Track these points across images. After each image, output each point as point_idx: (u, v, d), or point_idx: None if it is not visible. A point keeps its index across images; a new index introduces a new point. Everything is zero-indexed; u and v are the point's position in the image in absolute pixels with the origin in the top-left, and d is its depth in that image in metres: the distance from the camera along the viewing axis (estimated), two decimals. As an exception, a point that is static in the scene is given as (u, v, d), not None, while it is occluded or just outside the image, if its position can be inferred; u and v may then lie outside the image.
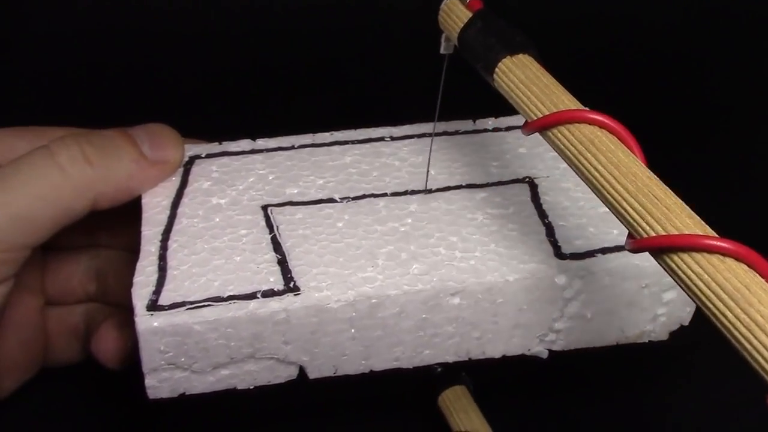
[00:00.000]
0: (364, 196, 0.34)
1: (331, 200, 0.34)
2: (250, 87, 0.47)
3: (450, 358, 0.32)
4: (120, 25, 0.44)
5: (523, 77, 0.26)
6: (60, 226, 0.32)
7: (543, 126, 0.25)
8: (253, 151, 0.36)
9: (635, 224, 0.21)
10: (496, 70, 0.27)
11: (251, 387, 0.31)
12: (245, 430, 0.39)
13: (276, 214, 0.33)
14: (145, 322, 0.28)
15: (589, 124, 0.24)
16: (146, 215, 0.33)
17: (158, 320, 0.28)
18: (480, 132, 0.38)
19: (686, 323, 0.33)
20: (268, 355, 0.30)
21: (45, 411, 0.38)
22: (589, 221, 0.33)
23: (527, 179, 0.35)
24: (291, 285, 0.30)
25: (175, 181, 0.34)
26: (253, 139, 0.37)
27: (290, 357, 0.30)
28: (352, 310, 0.30)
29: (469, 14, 0.29)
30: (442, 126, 0.38)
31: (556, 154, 0.37)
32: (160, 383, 0.30)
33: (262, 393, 0.31)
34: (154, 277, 0.30)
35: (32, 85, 0.45)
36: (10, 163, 0.32)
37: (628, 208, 0.22)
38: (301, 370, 0.31)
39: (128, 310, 0.29)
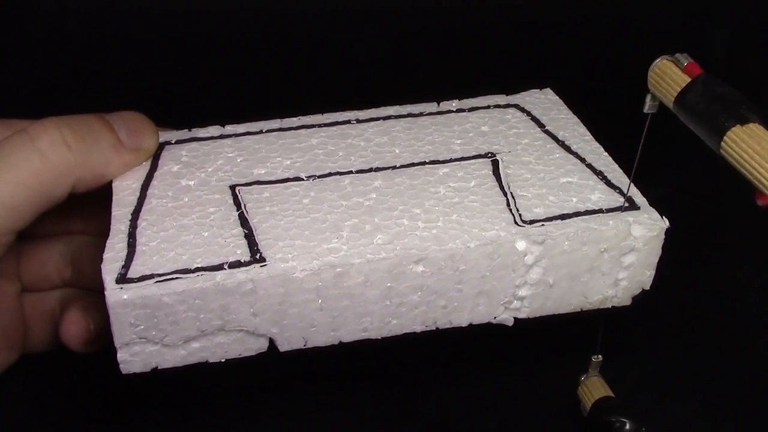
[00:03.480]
0: (329, 174, 0.35)
1: (297, 179, 0.35)
2: (220, 77, 0.48)
3: (418, 328, 0.33)
4: (90, 12, 0.45)
5: (758, 148, 0.26)
6: (41, 210, 0.33)
7: None
8: (222, 137, 0.37)
9: None
10: (725, 138, 0.27)
11: (222, 360, 0.32)
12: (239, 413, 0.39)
13: (244, 193, 0.34)
14: (114, 294, 0.29)
15: None
16: (116, 197, 0.34)
17: (127, 293, 0.29)
18: (444, 113, 0.39)
19: (647, 288, 0.34)
20: (238, 327, 0.31)
21: (25, 397, 0.38)
22: (549, 191, 0.34)
23: (489, 154, 0.36)
24: (257, 256, 0.31)
25: (145, 165, 0.35)
26: (222, 125, 0.38)
27: (259, 329, 0.31)
28: (317, 279, 0.30)
29: (685, 77, 0.29)
30: (406, 108, 0.39)
31: (518, 130, 0.38)
32: (132, 357, 0.31)
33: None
34: (124, 253, 0.31)
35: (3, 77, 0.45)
36: None
37: None
38: (272, 343, 0.32)
39: (99, 293, 0.30)
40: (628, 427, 0.36)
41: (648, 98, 0.31)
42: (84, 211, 0.37)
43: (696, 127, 0.29)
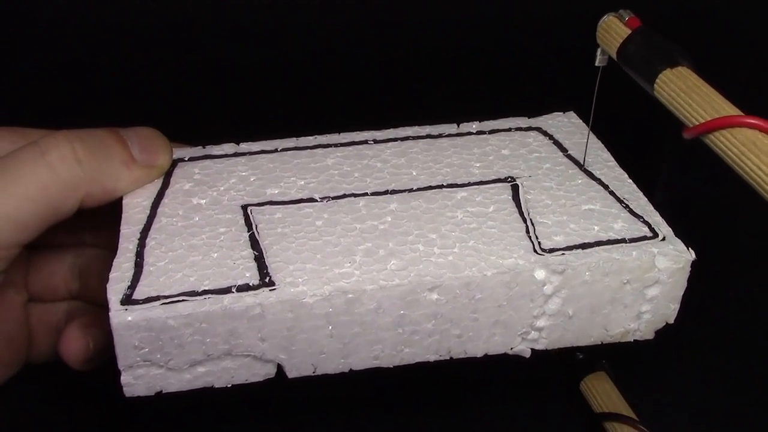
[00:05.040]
0: (344, 196, 0.34)
1: (311, 200, 0.34)
2: (237, 92, 0.47)
3: (431, 357, 0.32)
4: (108, 25, 0.45)
5: (684, 86, 0.29)
6: (49, 224, 0.32)
7: (705, 130, 0.27)
8: (236, 154, 0.37)
9: None
10: (657, 81, 0.30)
11: (228, 385, 0.31)
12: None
13: (255, 214, 0.33)
14: (119, 316, 0.28)
15: (750, 128, 0.26)
16: (126, 215, 0.33)
17: (132, 314, 0.28)
18: (464, 135, 0.38)
19: (672, 321, 0.33)
20: (245, 353, 0.30)
21: (27, 408, 0.38)
22: (570, 218, 0.33)
23: (509, 179, 0.35)
24: (266, 280, 0.30)
25: (156, 182, 0.35)
26: (237, 142, 0.37)
27: (267, 354, 0.30)
28: (328, 305, 0.30)
29: (628, 31, 0.32)
30: (425, 129, 0.38)
31: (539, 154, 0.37)
32: (135, 380, 0.30)
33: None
34: (130, 273, 0.30)
35: (17, 85, 0.45)
36: None
37: None
38: (280, 369, 0.31)
39: (105, 309, 0.29)
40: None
41: (598, 52, 0.34)
42: (96, 223, 0.36)
43: (635, 74, 0.31)
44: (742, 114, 0.27)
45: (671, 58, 0.30)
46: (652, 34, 0.31)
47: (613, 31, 0.32)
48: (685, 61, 0.30)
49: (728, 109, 0.27)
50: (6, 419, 0.38)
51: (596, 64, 0.34)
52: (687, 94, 0.29)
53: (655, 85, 0.30)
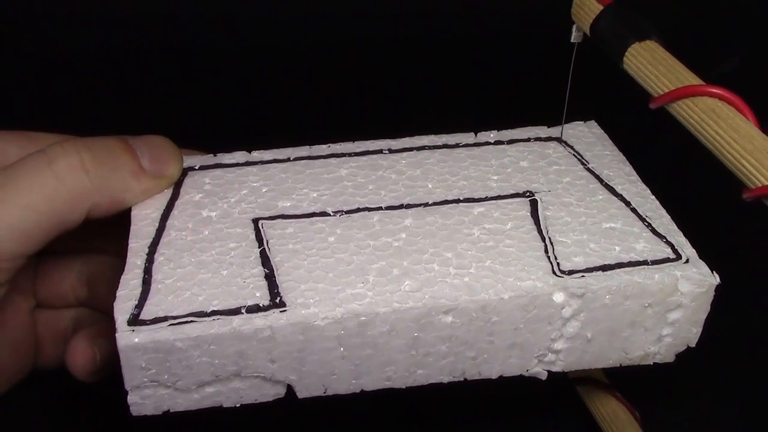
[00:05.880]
0: (358, 210, 0.33)
1: (323, 214, 0.33)
2: (249, 98, 0.46)
3: (445, 378, 0.31)
4: (118, 30, 0.44)
5: (651, 59, 0.30)
6: (54, 234, 0.32)
7: (669, 99, 0.29)
8: (247, 163, 0.36)
9: (752, 176, 0.26)
10: (626, 54, 0.31)
11: (237, 405, 0.30)
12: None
13: (267, 228, 0.32)
14: (125, 337, 0.28)
15: (710, 96, 0.28)
16: (134, 227, 0.32)
17: (139, 336, 0.28)
18: (481, 145, 0.37)
19: (693, 345, 0.32)
20: (254, 374, 0.29)
21: (34, 414, 0.38)
22: (590, 237, 0.32)
23: (527, 193, 0.34)
24: (277, 300, 0.29)
25: (166, 192, 0.34)
26: (249, 151, 0.36)
27: (277, 375, 0.30)
28: (340, 327, 0.29)
29: (600, 7, 0.33)
30: (442, 139, 0.37)
31: (558, 167, 0.36)
32: (143, 400, 0.29)
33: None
34: (138, 290, 0.29)
35: (29, 91, 0.45)
36: (4, 169, 0.31)
37: (746, 164, 0.26)
38: (290, 389, 0.30)
39: (112, 322, 0.29)
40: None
41: (573, 29, 0.35)
42: (105, 230, 0.36)
43: (606, 48, 0.32)
44: (703, 83, 0.29)
45: (640, 32, 0.31)
46: (623, 10, 0.32)
47: (587, 7, 0.33)
48: (653, 35, 0.31)
49: (691, 79, 0.29)
50: (12, 426, 0.38)
51: (571, 40, 0.35)
52: (654, 66, 0.30)
53: (624, 59, 0.31)
